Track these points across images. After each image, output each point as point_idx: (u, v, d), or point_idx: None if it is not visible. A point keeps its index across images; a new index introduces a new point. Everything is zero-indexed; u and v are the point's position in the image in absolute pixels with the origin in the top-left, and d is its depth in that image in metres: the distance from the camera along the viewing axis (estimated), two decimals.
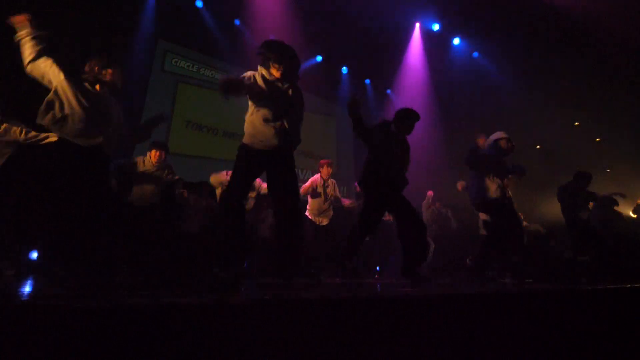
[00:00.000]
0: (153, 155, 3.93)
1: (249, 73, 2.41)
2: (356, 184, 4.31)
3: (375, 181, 2.92)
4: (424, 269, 5.68)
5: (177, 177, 4.08)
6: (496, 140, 3.75)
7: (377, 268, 5.91)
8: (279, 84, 2.39)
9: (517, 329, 1.26)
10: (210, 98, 6.65)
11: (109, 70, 2.57)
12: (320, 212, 4.74)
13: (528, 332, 1.28)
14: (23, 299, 0.75)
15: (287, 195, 2.37)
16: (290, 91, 2.44)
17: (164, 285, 1.68)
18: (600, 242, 4.51)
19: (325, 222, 4.79)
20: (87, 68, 2.55)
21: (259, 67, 2.41)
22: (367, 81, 8.86)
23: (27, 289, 1.27)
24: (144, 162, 3.93)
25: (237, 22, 6.99)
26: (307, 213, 4.80)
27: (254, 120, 2.37)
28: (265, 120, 2.32)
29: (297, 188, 2.45)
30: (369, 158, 3.03)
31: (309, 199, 4.76)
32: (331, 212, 4.82)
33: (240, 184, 2.35)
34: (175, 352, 0.67)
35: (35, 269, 2.25)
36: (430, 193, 6.27)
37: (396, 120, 3.07)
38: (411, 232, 2.87)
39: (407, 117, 3.03)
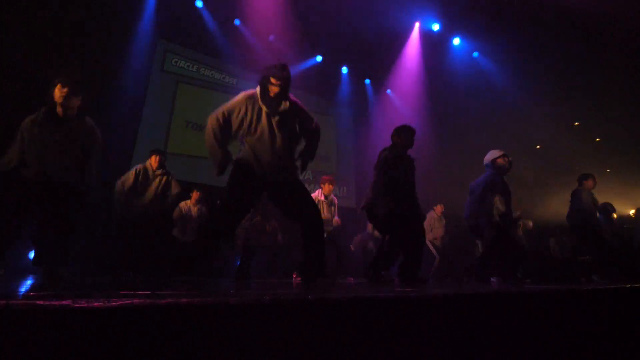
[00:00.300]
0: (154, 160, 4.05)
1: (239, 98, 2.29)
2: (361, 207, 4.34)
3: (380, 212, 2.99)
4: (426, 278, 5.70)
5: (171, 180, 4.14)
6: (493, 160, 3.73)
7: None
8: (274, 105, 2.25)
9: (517, 329, 1.26)
10: (210, 98, 6.65)
11: (56, 89, 2.42)
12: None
13: (528, 332, 1.28)
14: (22, 299, 0.75)
15: (306, 207, 2.30)
16: (286, 111, 2.29)
17: (164, 286, 1.68)
18: (601, 242, 4.51)
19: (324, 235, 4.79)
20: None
21: (257, 90, 2.29)
22: (367, 81, 8.86)
23: (26, 289, 1.27)
24: (144, 169, 4.05)
25: (237, 22, 6.99)
26: None
27: (246, 146, 2.29)
28: (259, 152, 2.25)
29: (311, 198, 2.39)
30: (376, 188, 3.07)
31: None
32: (330, 227, 4.80)
33: (234, 206, 2.22)
34: (175, 352, 0.67)
35: (34, 269, 2.27)
36: (439, 208, 6.26)
37: (393, 139, 3.15)
38: (412, 238, 2.93)
39: (403, 131, 3.12)
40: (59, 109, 2.44)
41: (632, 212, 6.73)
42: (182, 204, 4.74)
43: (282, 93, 2.23)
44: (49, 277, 2.34)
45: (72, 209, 2.48)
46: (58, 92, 2.41)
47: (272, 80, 2.20)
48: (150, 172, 4.03)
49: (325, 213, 4.70)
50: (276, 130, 2.25)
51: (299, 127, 2.38)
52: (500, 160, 3.69)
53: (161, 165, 4.06)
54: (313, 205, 2.32)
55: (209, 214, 2.37)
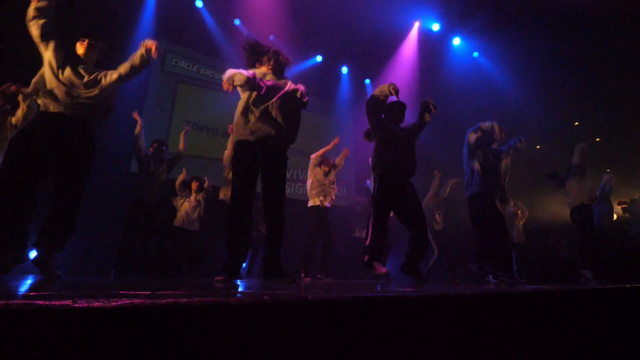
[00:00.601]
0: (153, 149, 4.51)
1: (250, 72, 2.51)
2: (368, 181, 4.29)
3: (384, 164, 2.99)
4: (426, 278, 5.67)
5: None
6: (476, 129, 3.81)
7: None
8: (271, 77, 2.54)
9: (517, 329, 1.26)
10: (210, 98, 6.65)
11: (80, 43, 2.53)
12: (323, 191, 4.77)
13: (528, 332, 1.28)
14: (22, 299, 0.75)
15: (275, 202, 2.43)
16: (281, 83, 2.55)
17: (165, 284, 1.68)
18: (594, 236, 4.52)
19: (327, 202, 4.81)
20: None
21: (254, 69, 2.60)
22: (367, 81, 8.86)
23: (26, 288, 1.27)
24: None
25: (237, 22, 6.99)
26: (309, 203, 4.82)
27: (243, 110, 2.44)
28: (255, 108, 2.41)
29: (283, 197, 2.49)
30: (376, 147, 3.13)
31: (310, 181, 4.83)
32: (333, 192, 4.85)
33: (243, 185, 2.37)
34: (175, 352, 0.67)
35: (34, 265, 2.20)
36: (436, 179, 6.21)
37: (385, 115, 3.21)
38: (415, 227, 2.92)
39: (394, 108, 3.20)
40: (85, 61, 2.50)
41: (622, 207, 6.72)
42: (183, 195, 4.97)
43: (274, 69, 2.60)
44: (43, 269, 2.19)
45: (84, 161, 2.36)
46: (80, 45, 2.51)
47: (264, 61, 2.60)
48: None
49: (327, 178, 4.76)
50: (272, 94, 2.46)
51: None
52: (484, 126, 3.76)
53: (158, 152, 4.63)
54: (280, 189, 2.45)
55: (226, 220, 2.44)
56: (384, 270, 2.82)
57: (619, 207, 6.56)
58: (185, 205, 4.85)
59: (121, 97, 5.41)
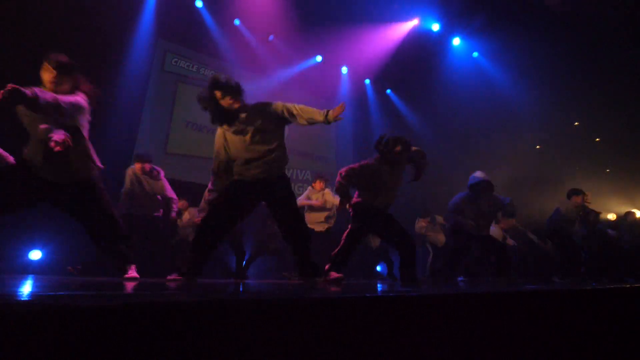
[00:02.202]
0: (137, 169, 4.14)
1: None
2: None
3: (365, 215, 3.08)
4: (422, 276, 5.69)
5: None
6: (472, 184, 3.93)
7: (379, 269, 5.91)
8: (237, 113, 2.50)
9: (517, 329, 1.26)
10: None
11: (44, 72, 2.23)
12: (319, 223, 4.80)
13: (528, 332, 1.28)
14: (23, 298, 0.75)
15: (289, 220, 2.40)
16: (247, 115, 2.51)
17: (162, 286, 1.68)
18: (572, 246, 4.54)
19: (322, 230, 4.84)
20: None
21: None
22: (367, 81, 8.85)
23: (27, 288, 1.27)
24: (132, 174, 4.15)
25: (237, 22, 6.99)
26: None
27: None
28: (234, 157, 2.46)
29: (297, 209, 2.46)
30: (359, 196, 3.17)
31: (306, 213, 4.82)
32: (329, 224, 4.85)
33: (219, 219, 2.36)
34: (175, 352, 0.67)
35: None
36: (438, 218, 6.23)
37: (379, 151, 3.12)
38: (401, 244, 2.99)
39: (387, 143, 3.06)
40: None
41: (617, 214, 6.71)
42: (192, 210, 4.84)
43: (235, 102, 2.48)
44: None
45: (95, 202, 2.36)
46: (47, 76, 2.20)
47: (223, 98, 2.49)
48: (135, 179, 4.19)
49: (321, 210, 4.75)
50: (241, 132, 2.48)
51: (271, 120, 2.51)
52: (480, 182, 3.85)
53: (145, 172, 4.24)
54: (293, 209, 2.42)
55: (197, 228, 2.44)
56: (337, 275, 2.89)
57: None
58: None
59: (121, 97, 5.43)
